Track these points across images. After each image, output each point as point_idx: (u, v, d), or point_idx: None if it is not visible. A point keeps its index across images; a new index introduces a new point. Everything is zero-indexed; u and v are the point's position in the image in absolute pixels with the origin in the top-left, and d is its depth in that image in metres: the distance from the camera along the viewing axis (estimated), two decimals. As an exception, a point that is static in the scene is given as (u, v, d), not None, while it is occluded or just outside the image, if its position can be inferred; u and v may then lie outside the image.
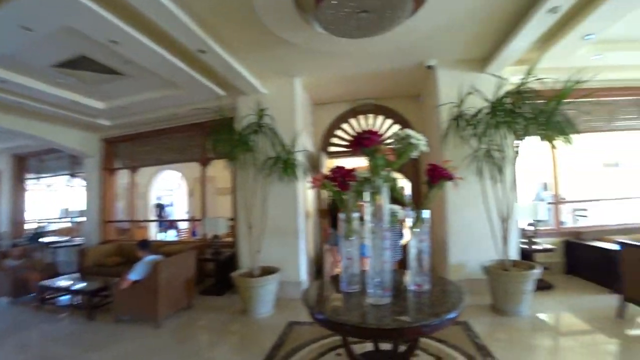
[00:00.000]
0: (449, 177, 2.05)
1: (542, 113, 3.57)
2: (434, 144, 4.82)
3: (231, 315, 4.30)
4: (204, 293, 5.22)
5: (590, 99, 5.82)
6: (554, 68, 4.26)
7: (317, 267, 5.78)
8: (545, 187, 10.08)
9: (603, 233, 5.40)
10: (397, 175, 5.80)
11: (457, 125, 4.31)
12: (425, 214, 2.08)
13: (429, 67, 4.65)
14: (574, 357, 3.01)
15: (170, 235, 11.18)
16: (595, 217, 9.31)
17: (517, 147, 3.98)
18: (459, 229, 4.57)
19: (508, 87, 4.13)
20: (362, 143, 1.91)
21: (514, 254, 4.51)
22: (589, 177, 10.82)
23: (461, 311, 1.90)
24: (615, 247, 4.57)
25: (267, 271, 4.28)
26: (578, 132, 3.61)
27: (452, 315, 1.81)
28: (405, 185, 8.09)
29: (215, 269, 5.41)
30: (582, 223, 7.07)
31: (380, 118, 6.20)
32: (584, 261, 5.13)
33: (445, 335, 3.22)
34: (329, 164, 5.91)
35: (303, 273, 4.85)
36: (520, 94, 3.81)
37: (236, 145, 4.16)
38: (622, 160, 11.20)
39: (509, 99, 3.91)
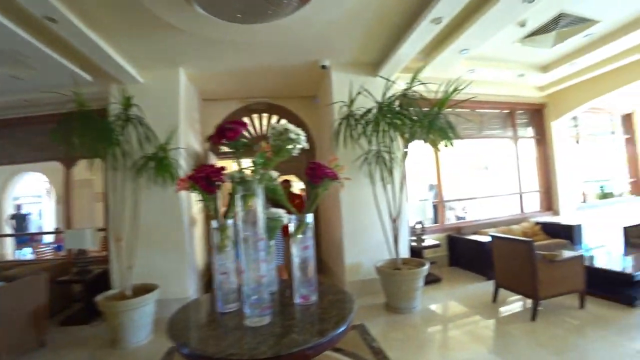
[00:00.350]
0: (334, 177, 1.88)
1: (426, 117, 3.76)
2: (327, 145, 4.82)
3: (98, 349, 3.50)
4: (67, 323, 4.24)
5: (466, 109, 6.60)
6: (437, 78, 4.56)
7: (208, 280, 5.27)
8: (431, 188, 11.20)
9: (479, 227, 6.07)
10: (291, 177, 5.85)
11: (348, 124, 4.28)
12: (309, 218, 1.86)
13: (324, 67, 4.59)
14: (460, 341, 3.24)
15: (26, 253, 9.11)
16: (473, 213, 10.63)
17: (406, 149, 4.13)
18: (354, 230, 4.59)
19: (397, 92, 4.28)
20: (225, 135, 1.60)
21: (404, 252, 4.69)
22: (466, 178, 12.35)
23: (351, 322, 1.75)
24: (487, 239, 5.16)
25: (144, 290, 3.64)
26: (459, 136, 3.88)
27: (340, 329, 1.62)
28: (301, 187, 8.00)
29: (83, 292, 4.48)
30: (465, 219, 7.88)
31: (275, 118, 5.98)
32: (464, 253, 5.66)
33: (343, 342, 3.10)
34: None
35: (191, 288, 4.31)
36: (406, 97, 3.97)
37: (100, 139, 3.43)
38: (490, 164, 13.09)
39: (396, 102, 4.05)
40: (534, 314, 3.45)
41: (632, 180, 9.31)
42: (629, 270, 3.85)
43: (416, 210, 5.22)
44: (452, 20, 3.65)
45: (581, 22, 4.32)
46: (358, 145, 4.31)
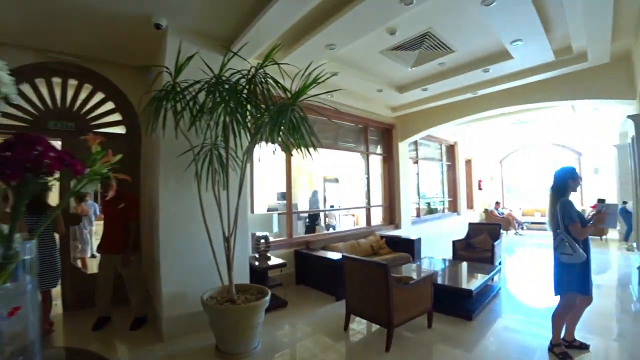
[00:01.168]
0: (73, 170, 0.88)
1: (278, 109, 2.94)
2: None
3: None
4: None
5: (323, 117, 6.34)
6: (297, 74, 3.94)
7: None
8: (283, 197, 10.82)
9: (328, 241, 5.73)
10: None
11: (168, 99, 3.04)
12: (21, 246, 0.80)
13: (158, 26, 3.38)
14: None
15: None
16: (324, 224, 10.60)
17: (250, 148, 3.26)
18: (175, 249, 3.45)
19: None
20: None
21: (243, 276, 3.85)
22: (320, 188, 12.46)
23: None
24: (337, 256, 4.80)
25: None
26: (315, 141, 3.17)
27: None
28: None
29: None
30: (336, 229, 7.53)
31: (87, 88, 4.34)
32: (313, 271, 5.18)
33: None
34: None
35: None
36: (254, 80, 3.05)
37: None
38: (340, 176, 13.63)
39: (242, 82, 3.08)
40: (388, 344, 3.07)
41: (450, 199, 10.88)
42: (466, 285, 3.97)
43: (261, 222, 4.46)
44: (320, 10, 3.08)
45: (441, 48, 4.41)
46: (186, 136, 3.16)
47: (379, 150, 7.97)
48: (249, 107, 2.94)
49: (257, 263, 4.37)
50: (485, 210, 10.81)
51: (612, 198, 9.92)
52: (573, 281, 2.77)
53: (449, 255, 6.36)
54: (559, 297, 2.90)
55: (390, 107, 7.15)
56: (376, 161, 8.23)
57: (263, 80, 2.91)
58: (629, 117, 5.07)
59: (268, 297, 3.19)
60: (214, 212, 3.20)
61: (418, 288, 3.36)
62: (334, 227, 11.10)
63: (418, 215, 9.17)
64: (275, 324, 3.83)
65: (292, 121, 2.85)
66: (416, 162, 9.36)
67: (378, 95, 6.10)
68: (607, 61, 4.94)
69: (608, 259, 6.98)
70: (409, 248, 6.00)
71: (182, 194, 3.46)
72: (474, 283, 4.01)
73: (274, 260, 4.57)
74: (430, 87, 5.64)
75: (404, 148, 8.07)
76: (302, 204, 12.10)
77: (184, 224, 3.48)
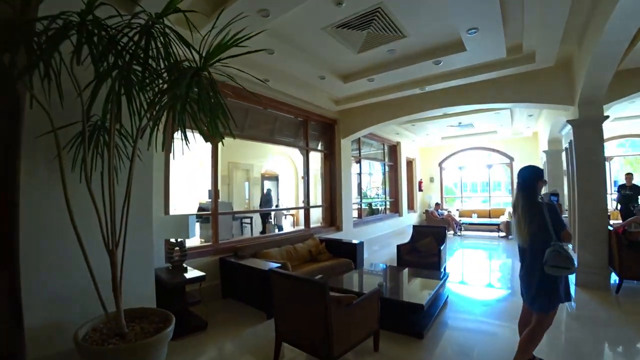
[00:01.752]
0: None
1: (180, 75, 2.07)
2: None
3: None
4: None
5: (259, 107, 5.62)
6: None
7: None
8: (210, 195, 9.79)
9: (260, 247, 4.99)
10: None
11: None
12: None
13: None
14: None
15: None
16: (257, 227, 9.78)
17: (144, 129, 2.38)
18: (45, 264, 2.47)
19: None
20: None
21: (146, 296, 2.98)
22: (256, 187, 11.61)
23: None
24: (269, 265, 4.10)
25: None
26: (230, 125, 2.39)
27: None
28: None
29: None
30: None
31: None
32: (240, 282, 4.41)
33: None
34: None
35: None
36: (152, 32, 2.03)
37: None
38: (282, 174, 12.90)
39: (130, 34, 2.06)
40: (324, 382, 2.43)
41: (391, 200, 10.71)
42: (415, 297, 3.49)
43: (174, 226, 3.60)
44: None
45: (392, 30, 3.91)
46: (44, 107, 2.09)
47: (320, 146, 7.40)
48: (141, 71, 2.07)
49: (168, 277, 3.50)
50: (426, 212, 10.83)
51: (538, 201, 10.43)
52: (560, 293, 2.39)
53: (393, 259, 6.00)
54: (536, 314, 2.49)
55: (333, 100, 6.60)
56: (317, 158, 7.67)
57: (161, 34, 2.05)
58: (568, 121, 5.07)
59: (171, 328, 2.37)
60: (94, 215, 2.29)
61: (363, 308, 2.79)
62: (280, 228, 10.36)
63: (360, 216, 8.79)
64: (188, 353, 3.03)
65: (201, 96, 2.06)
66: (359, 162, 8.98)
67: (321, 84, 5.50)
68: (551, 64, 4.90)
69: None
70: (351, 253, 5.48)
71: (56, 187, 2.48)
72: (423, 295, 3.55)
73: (192, 273, 3.72)
74: (377, 78, 5.17)
75: (346, 145, 7.59)
76: (239, 203, 11.19)
77: (57, 229, 2.51)
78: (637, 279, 4.61)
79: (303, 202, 7.00)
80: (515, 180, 2.54)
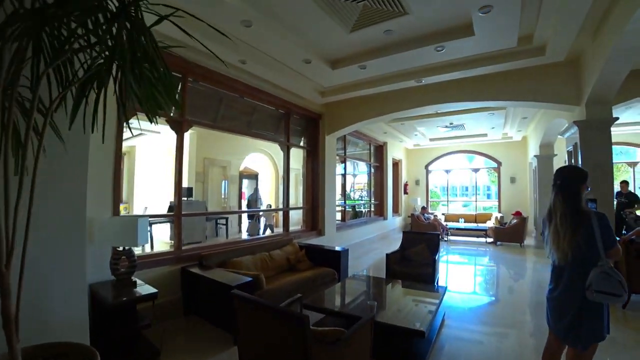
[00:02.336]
0: None
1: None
2: None
3: None
4: None
5: (234, 94, 4.96)
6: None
7: None
8: (188, 193, 9.03)
9: (229, 254, 4.31)
10: None
11: None
12: None
13: None
14: None
15: None
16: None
17: (60, 98, 1.66)
18: None
19: None
20: None
21: (74, 325, 2.27)
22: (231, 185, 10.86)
23: None
24: (238, 279, 3.44)
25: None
26: (175, 98, 1.74)
27: None
28: None
29: None
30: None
31: None
32: (204, 297, 3.73)
33: None
34: None
35: None
36: None
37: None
38: (263, 171, 12.19)
39: None
40: None
41: (376, 202, 10.20)
42: (413, 320, 2.90)
43: (121, 231, 2.89)
44: None
45: (392, 4, 3.32)
46: None
47: (302, 143, 6.78)
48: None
49: (110, 294, 2.79)
50: (412, 215, 10.35)
51: (526, 207, 10.19)
52: (605, 325, 1.90)
53: (378, 267, 5.46)
54: (571, 349, 1.96)
55: (319, 91, 5.98)
56: (299, 156, 7.04)
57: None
58: (575, 122, 4.67)
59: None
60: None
61: (353, 342, 2.18)
62: (271, 228, 9.68)
63: (343, 219, 8.21)
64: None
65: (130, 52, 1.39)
66: (344, 161, 8.40)
67: (306, 70, 4.87)
68: (561, 59, 4.49)
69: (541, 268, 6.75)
70: (334, 261, 4.87)
71: None
72: (422, 317, 2.97)
73: (142, 288, 3.02)
74: (370, 65, 4.58)
75: (331, 143, 6.99)
76: (215, 202, 10.41)
77: None
78: None
79: (283, 203, 6.35)
80: (552, 181, 1.98)
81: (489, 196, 13.77)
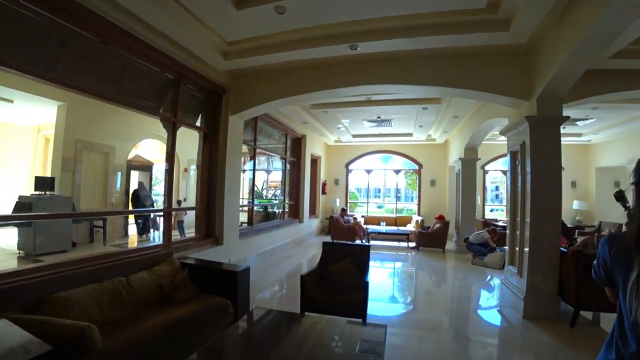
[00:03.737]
0: None
1: None
2: None
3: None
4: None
5: (89, 34, 3.12)
6: None
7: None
8: (45, 185, 6.69)
9: (55, 285, 2.57)
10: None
11: None
12: None
13: None
14: None
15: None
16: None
17: None
18: None
19: None
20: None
21: None
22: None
23: None
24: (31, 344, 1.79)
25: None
26: None
27: None
28: None
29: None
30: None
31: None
32: None
33: None
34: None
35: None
36: None
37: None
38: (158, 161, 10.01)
39: None
40: None
41: (291, 203, 8.94)
42: None
43: None
44: None
45: None
46: None
47: (200, 123, 5.17)
48: None
49: None
50: (330, 218, 9.28)
51: (445, 210, 9.94)
52: None
53: (293, 286, 4.20)
54: None
55: (221, 50, 4.38)
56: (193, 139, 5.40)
57: None
58: (527, 118, 4.02)
59: None
60: None
61: None
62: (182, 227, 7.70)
63: (250, 222, 6.73)
64: None
65: None
66: (253, 157, 6.91)
67: (199, 8, 3.32)
68: (523, 41, 3.79)
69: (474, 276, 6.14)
70: (230, 286, 3.42)
71: None
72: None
73: None
74: (290, 6, 3.19)
75: (237, 126, 5.49)
76: (92, 199, 8.06)
77: None
78: (598, 309, 3.74)
79: (164, 202, 4.65)
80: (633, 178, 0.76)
81: (407, 199, 13.59)
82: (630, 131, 8.07)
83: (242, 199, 9.25)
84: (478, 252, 6.95)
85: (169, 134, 4.58)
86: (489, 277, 6.04)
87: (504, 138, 4.95)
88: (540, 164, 3.95)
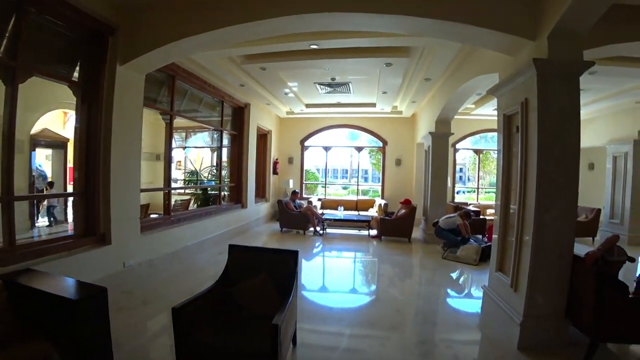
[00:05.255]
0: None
1: None
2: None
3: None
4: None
5: None
6: None
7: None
8: None
9: None
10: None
11: None
12: None
13: None
14: None
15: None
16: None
17: None
18: None
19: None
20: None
21: None
22: None
23: None
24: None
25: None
26: None
27: None
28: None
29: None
30: None
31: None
32: None
33: None
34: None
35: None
36: None
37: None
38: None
39: None
40: None
41: (232, 184, 7.42)
42: None
43: None
44: None
45: None
46: None
47: (76, 73, 3.54)
48: None
49: None
50: (279, 202, 7.84)
51: (411, 193, 8.83)
52: None
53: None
54: None
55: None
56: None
57: None
58: (535, 60, 2.72)
59: None
60: None
61: None
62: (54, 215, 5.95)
63: (167, 212, 5.15)
64: None
65: None
66: (170, 127, 5.24)
67: None
68: None
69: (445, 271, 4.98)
70: (65, 323, 1.98)
71: None
72: None
73: None
74: None
75: (132, 81, 3.91)
76: None
77: None
78: (627, 340, 2.60)
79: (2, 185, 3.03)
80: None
81: (375, 179, 12.42)
82: (615, 107, 7.19)
83: (177, 181, 7.65)
84: (449, 241, 5.86)
85: (7, 87, 2.95)
86: (464, 277, 4.94)
87: (478, 112, 3.72)
88: (551, 130, 2.73)
